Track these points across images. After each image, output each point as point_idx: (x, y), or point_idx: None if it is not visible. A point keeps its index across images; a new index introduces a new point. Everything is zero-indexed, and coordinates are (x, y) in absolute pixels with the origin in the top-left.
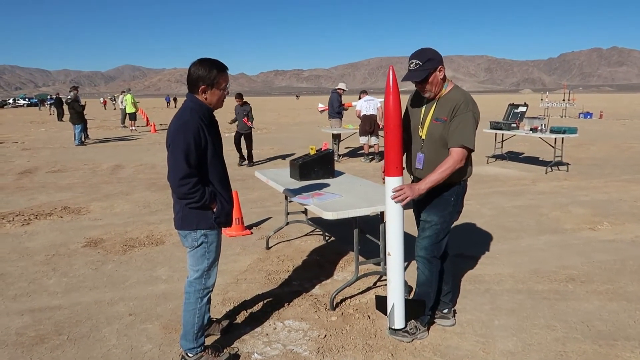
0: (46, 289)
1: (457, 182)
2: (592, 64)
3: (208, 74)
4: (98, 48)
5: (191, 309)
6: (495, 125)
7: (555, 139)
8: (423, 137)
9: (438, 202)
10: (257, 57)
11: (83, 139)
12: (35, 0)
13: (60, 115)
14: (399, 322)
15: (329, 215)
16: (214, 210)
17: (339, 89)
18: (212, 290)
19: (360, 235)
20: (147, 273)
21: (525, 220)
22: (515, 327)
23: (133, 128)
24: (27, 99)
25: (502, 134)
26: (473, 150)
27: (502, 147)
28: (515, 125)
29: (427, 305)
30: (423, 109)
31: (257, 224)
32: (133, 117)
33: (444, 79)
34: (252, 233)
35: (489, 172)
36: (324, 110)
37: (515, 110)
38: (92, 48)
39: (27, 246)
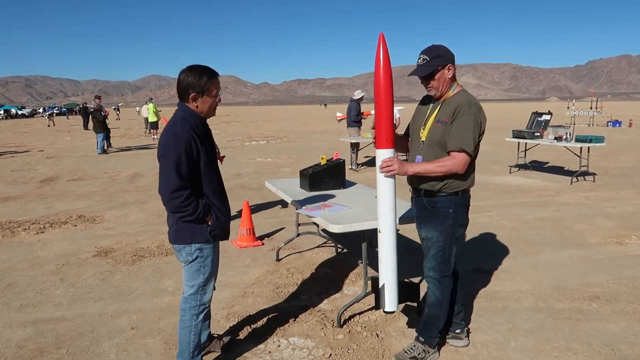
0: (52, 299)
1: (454, 192)
2: (622, 71)
3: (198, 81)
4: (125, 58)
5: (187, 327)
6: (518, 134)
7: (581, 148)
8: (423, 138)
9: (435, 215)
10: (280, 66)
11: (105, 148)
12: (65, 13)
13: (85, 124)
14: (390, 304)
15: (335, 229)
16: (209, 223)
17: (359, 98)
18: (208, 306)
19: (369, 249)
20: (154, 284)
21: (548, 233)
22: (534, 350)
23: (155, 137)
24: (56, 108)
25: (526, 143)
26: (472, 157)
27: (525, 156)
28: (539, 134)
29: (434, 323)
30: (428, 110)
31: (269, 235)
32: (155, 125)
33: (453, 78)
34: (263, 244)
35: (511, 182)
36: (342, 118)
37: (539, 119)
38: (120, 58)
39: (39, 255)
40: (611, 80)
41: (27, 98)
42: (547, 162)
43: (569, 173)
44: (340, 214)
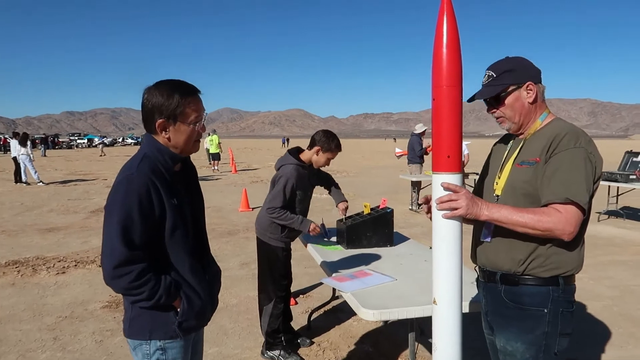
0: None
1: (552, 277)
2: None
3: (166, 101)
4: (202, 91)
5: None
6: (608, 177)
7: None
8: (498, 192)
9: (521, 316)
10: (347, 100)
11: None
12: (147, 48)
13: None
14: None
15: (368, 315)
16: (178, 309)
17: (421, 132)
18: None
19: (421, 338)
20: None
21: None
22: None
23: (215, 168)
24: (134, 138)
25: (618, 187)
26: (586, 213)
27: (617, 201)
28: (634, 176)
29: None
30: (505, 152)
31: (306, 291)
32: (217, 157)
33: (536, 103)
34: (296, 303)
35: (601, 232)
36: (402, 155)
37: (635, 159)
38: None
39: (46, 302)
40: None
41: (112, 128)
42: None
43: None
44: (380, 288)
